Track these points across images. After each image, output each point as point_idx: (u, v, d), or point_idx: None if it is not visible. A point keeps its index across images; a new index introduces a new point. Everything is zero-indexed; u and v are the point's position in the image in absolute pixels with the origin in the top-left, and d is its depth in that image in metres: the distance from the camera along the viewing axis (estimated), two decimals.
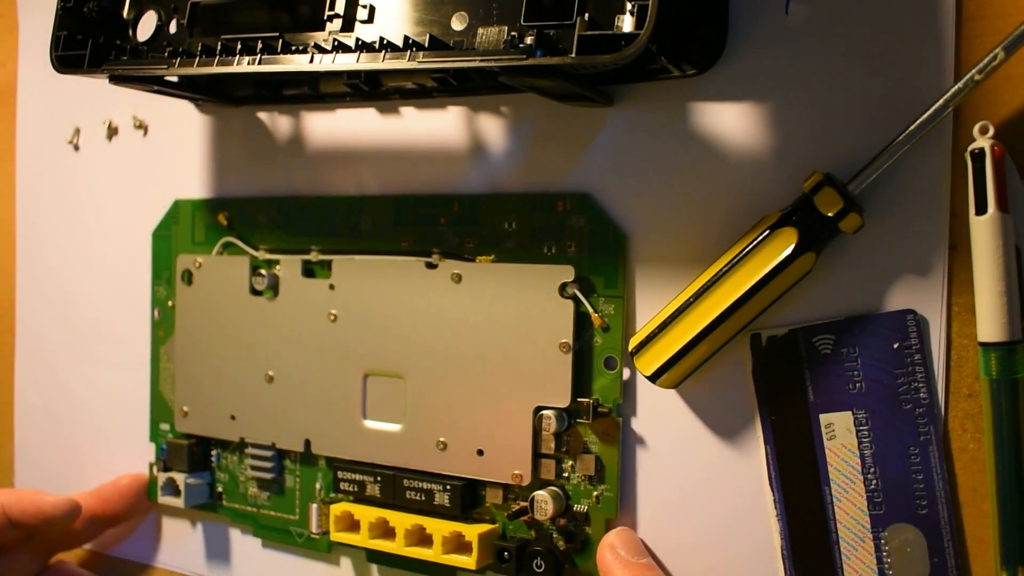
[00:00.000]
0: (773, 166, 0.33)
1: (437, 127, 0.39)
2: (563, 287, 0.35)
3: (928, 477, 0.30)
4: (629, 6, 0.29)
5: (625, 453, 0.35)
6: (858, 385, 0.31)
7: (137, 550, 0.48)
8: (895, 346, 0.31)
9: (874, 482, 0.31)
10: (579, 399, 0.35)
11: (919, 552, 0.31)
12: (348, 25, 0.34)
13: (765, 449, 0.33)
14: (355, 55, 0.33)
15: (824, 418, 0.32)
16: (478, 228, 0.37)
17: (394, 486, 0.38)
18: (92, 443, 0.49)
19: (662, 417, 0.35)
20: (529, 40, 0.30)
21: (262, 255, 0.42)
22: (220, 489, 0.44)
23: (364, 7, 0.34)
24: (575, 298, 0.35)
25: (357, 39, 0.33)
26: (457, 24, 0.32)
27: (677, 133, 0.34)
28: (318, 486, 0.41)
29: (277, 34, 0.34)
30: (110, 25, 0.38)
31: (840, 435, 0.31)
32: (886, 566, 0.31)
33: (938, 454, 0.30)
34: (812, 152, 0.32)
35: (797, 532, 0.32)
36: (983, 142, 0.29)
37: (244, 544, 0.44)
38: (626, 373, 0.35)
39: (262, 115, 0.43)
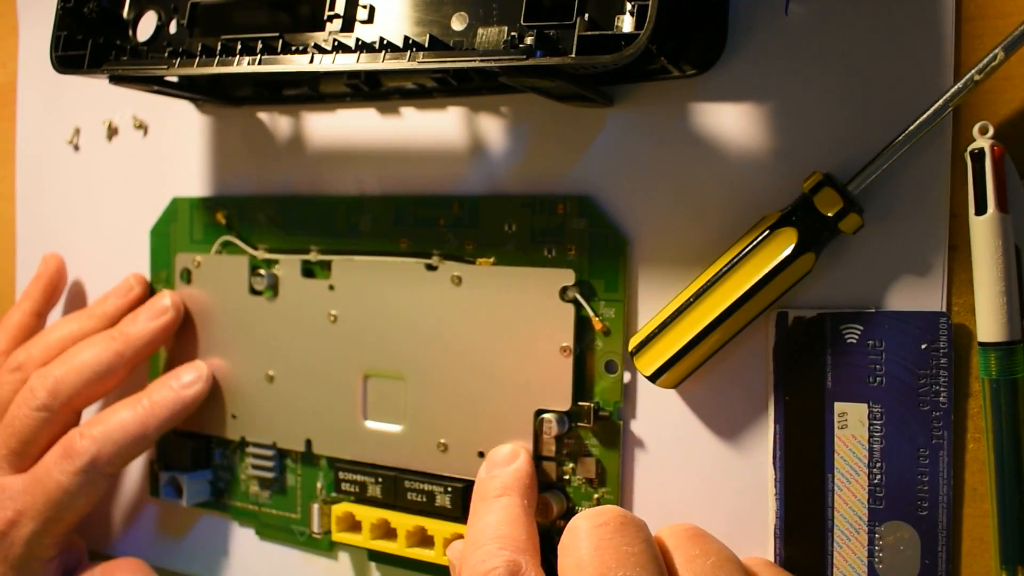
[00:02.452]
0: (773, 166, 0.33)
1: (437, 127, 0.39)
2: (564, 291, 0.35)
3: (934, 480, 0.30)
4: (629, 6, 0.29)
5: (625, 456, 0.35)
6: (879, 379, 0.31)
7: (138, 550, 0.48)
8: (923, 347, 0.31)
9: (878, 476, 0.31)
10: (580, 403, 0.35)
11: (912, 552, 0.31)
12: (348, 25, 0.34)
13: (774, 428, 0.32)
14: (355, 55, 0.33)
15: (839, 406, 0.32)
16: (478, 230, 0.37)
17: (395, 487, 0.38)
18: None
19: (663, 421, 0.35)
20: (529, 40, 0.30)
21: (261, 255, 0.42)
22: (222, 487, 0.44)
23: (364, 7, 0.34)
24: (576, 302, 0.35)
25: (357, 39, 0.33)
26: (457, 24, 0.32)
27: (677, 133, 0.34)
28: (319, 486, 0.41)
29: (277, 34, 0.34)
30: (110, 25, 0.38)
31: (852, 426, 0.31)
32: (876, 560, 0.31)
33: (947, 459, 0.30)
34: (812, 152, 0.32)
35: (793, 514, 0.32)
36: (983, 142, 0.29)
37: (245, 543, 0.44)
38: (627, 377, 0.35)
39: (262, 115, 0.43)
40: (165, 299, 0.43)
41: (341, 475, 0.40)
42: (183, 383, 0.42)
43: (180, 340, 0.44)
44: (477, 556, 0.30)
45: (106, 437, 0.40)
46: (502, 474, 0.34)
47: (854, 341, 0.31)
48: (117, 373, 0.42)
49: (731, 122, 0.33)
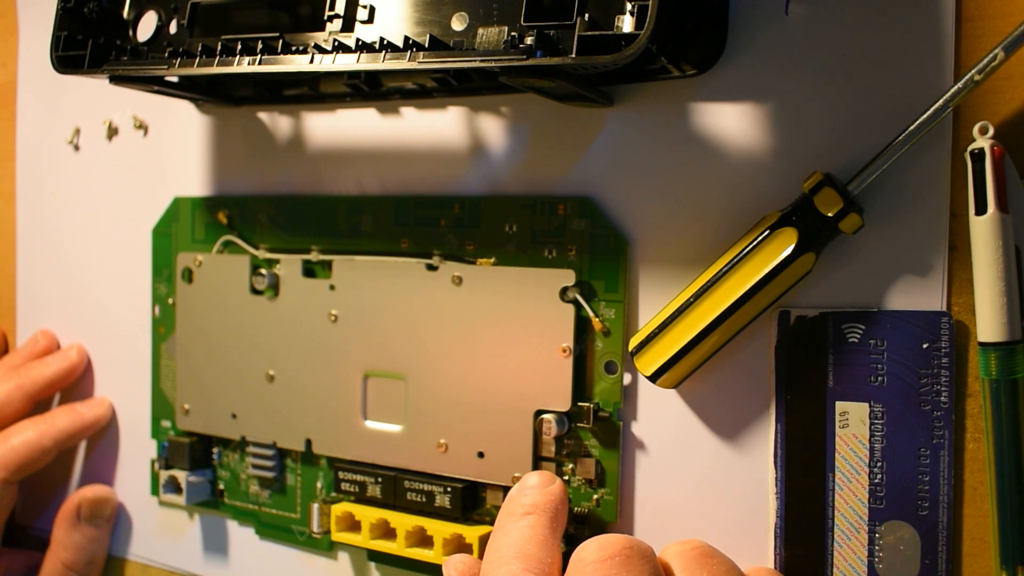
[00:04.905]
0: (773, 166, 0.33)
1: (437, 127, 0.39)
2: (564, 291, 0.35)
3: (934, 480, 0.30)
4: (629, 6, 0.29)
5: (625, 457, 0.35)
6: (880, 379, 0.31)
7: (138, 548, 0.48)
8: (924, 346, 0.31)
9: (879, 476, 0.31)
10: (579, 403, 0.35)
11: (912, 552, 0.31)
12: (348, 25, 0.34)
13: (775, 427, 0.32)
14: (355, 55, 0.33)
15: (840, 405, 0.32)
16: (479, 230, 0.37)
17: (395, 487, 0.38)
18: (93, 440, 0.49)
19: (662, 421, 0.35)
20: (529, 40, 0.30)
21: (262, 254, 0.42)
22: (222, 487, 0.44)
23: (364, 7, 0.34)
24: (576, 302, 0.35)
25: (357, 39, 0.33)
26: (457, 24, 0.32)
27: (677, 133, 0.34)
28: (319, 485, 0.41)
29: (277, 34, 0.34)
30: (110, 25, 0.38)
31: (853, 425, 0.31)
32: (876, 560, 0.31)
33: (948, 459, 0.30)
34: (812, 152, 0.32)
35: (793, 513, 0.32)
36: (983, 142, 0.29)
37: (245, 542, 0.44)
38: (627, 378, 0.35)
39: (262, 115, 0.43)
40: (71, 350, 0.49)
41: (341, 475, 0.40)
42: (87, 406, 0.48)
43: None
44: (499, 573, 0.29)
45: (11, 451, 0.46)
46: (533, 493, 0.33)
47: (856, 340, 0.31)
48: (14, 403, 0.47)
49: (731, 122, 0.33)
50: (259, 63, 0.34)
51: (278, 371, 0.41)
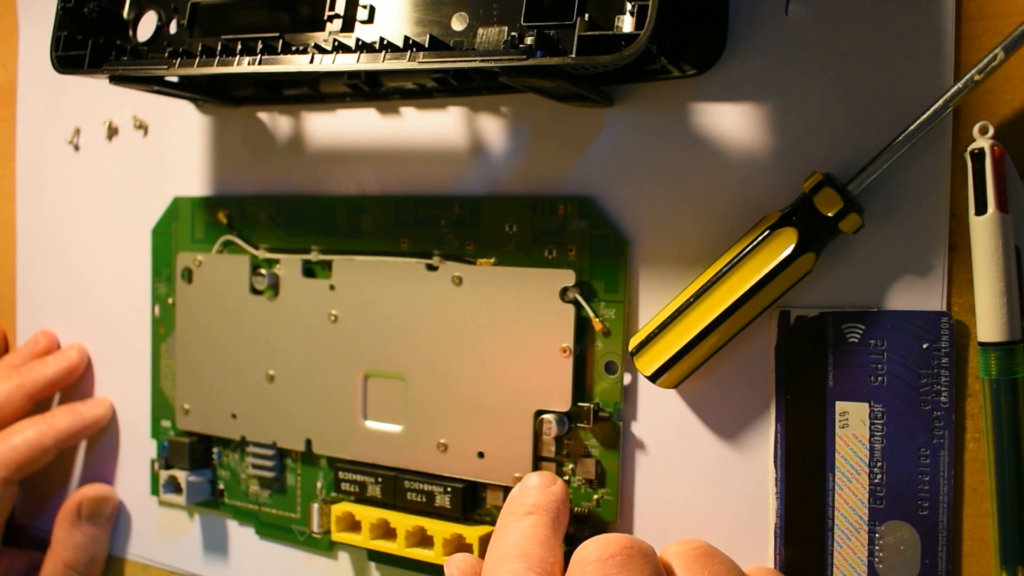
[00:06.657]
0: (773, 166, 0.33)
1: (437, 127, 0.39)
2: (564, 291, 0.35)
3: (934, 480, 0.30)
4: (629, 6, 0.29)
5: (625, 457, 0.35)
6: (880, 379, 0.31)
7: (138, 548, 0.48)
8: (924, 346, 0.31)
9: (879, 476, 0.31)
10: (580, 403, 0.35)
11: (912, 552, 0.31)
12: (348, 25, 0.34)
13: (775, 427, 0.33)
14: (355, 55, 0.33)
15: (840, 405, 0.32)
16: (479, 230, 0.37)
17: (395, 487, 0.38)
18: (93, 440, 0.49)
19: (663, 421, 0.35)
20: (529, 40, 0.30)
21: (262, 254, 0.42)
22: (222, 487, 0.44)
23: (364, 7, 0.34)
24: (576, 303, 0.35)
25: (357, 39, 0.33)
26: (457, 24, 0.32)
27: (677, 134, 0.34)
28: (319, 485, 0.41)
29: (277, 34, 0.34)
30: (110, 25, 0.38)
31: (853, 425, 0.31)
32: (876, 560, 0.31)
33: (948, 459, 0.30)
34: (812, 152, 0.32)
35: (793, 513, 0.32)
36: (983, 142, 0.29)
37: (245, 542, 0.44)
38: (627, 378, 0.35)
39: (262, 115, 0.43)
40: (72, 350, 0.49)
41: (341, 475, 0.40)
42: (87, 406, 0.48)
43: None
44: (502, 572, 0.29)
45: (11, 450, 0.46)
46: (535, 493, 0.33)
47: (856, 340, 0.31)
48: (15, 403, 0.48)
49: (731, 122, 0.33)
50: (259, 63, 0.34)
51: (278, 371, 0.41)
